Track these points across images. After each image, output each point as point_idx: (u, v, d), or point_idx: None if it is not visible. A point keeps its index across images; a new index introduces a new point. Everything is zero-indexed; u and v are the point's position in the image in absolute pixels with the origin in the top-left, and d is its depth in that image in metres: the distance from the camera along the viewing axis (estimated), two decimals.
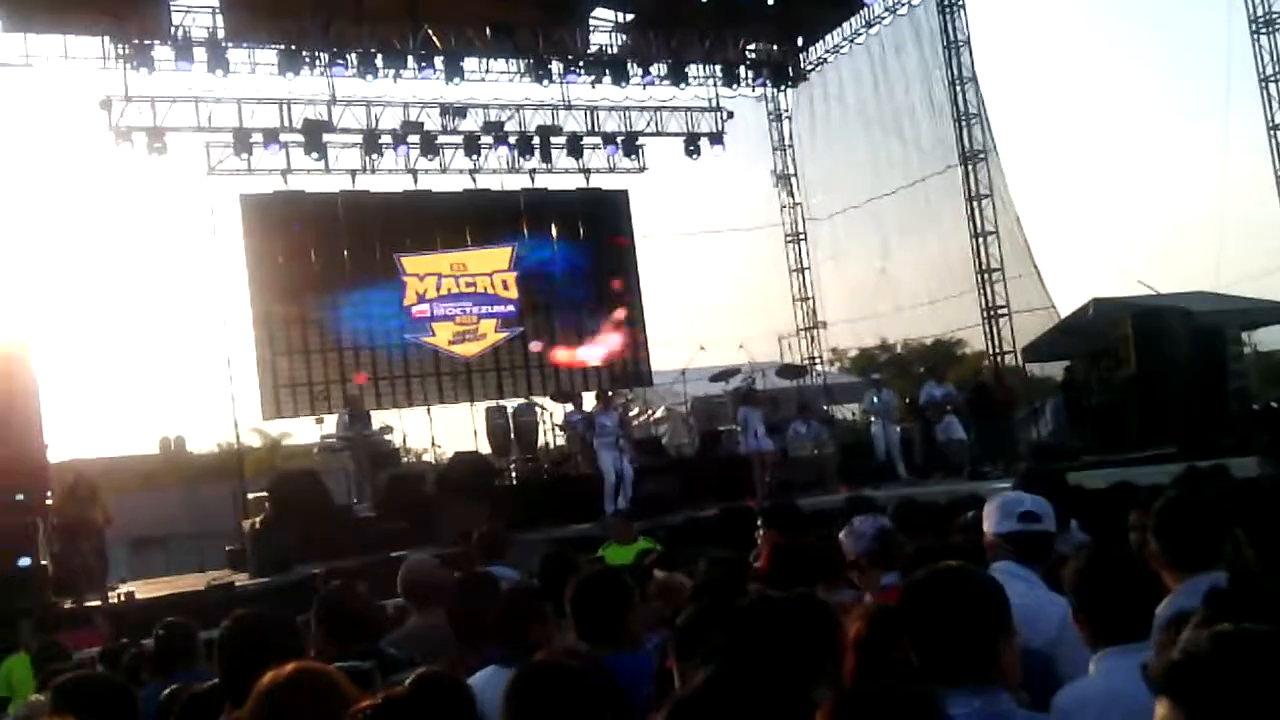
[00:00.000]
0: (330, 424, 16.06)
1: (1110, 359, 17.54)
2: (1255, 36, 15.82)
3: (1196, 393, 16.06)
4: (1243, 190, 52.39)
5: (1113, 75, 74.85)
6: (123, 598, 11.42)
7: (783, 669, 2.28)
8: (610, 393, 17.19)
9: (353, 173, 19.81)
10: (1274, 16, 15.72)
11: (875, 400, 16.84)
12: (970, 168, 20.31)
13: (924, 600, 2.55)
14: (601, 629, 3.70)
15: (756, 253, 24.02)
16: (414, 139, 19.84)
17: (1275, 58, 15.73)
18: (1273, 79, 15.76)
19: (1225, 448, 11.26)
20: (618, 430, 15.15)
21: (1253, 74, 15.85)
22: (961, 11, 20.43)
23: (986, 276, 20.18)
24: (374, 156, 19.83)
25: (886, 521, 4.42)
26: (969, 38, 20.51)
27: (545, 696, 2.40)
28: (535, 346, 19.92)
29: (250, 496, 15.23)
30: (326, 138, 19.21)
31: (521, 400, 18.63)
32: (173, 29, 17.61)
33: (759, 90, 23.71)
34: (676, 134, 22.14)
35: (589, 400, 16.87)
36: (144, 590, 12.07)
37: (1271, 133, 15.79)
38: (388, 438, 16.20)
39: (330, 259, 19.12)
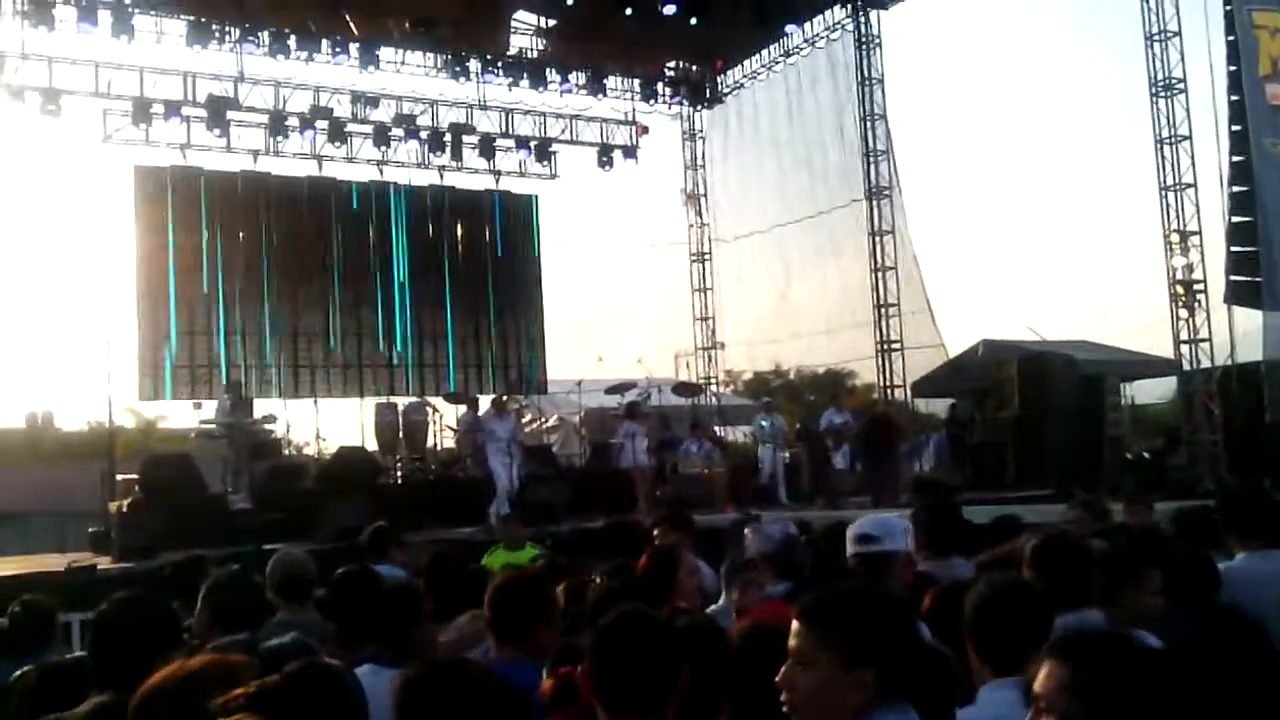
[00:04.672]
0: (210, 409, 15.51)
1: (995, 399, 18.02)
2: (1154, 100, 16.43)
3: (1075, 438, 16.63)
4: (1131, 247, 54.67)
5: (1018, 123, 77.24)
6: None
7: None
8: (505, 398, 17.02)
9: (255, 153, 19.28)
10: (1173, 81, 16.33)
11: (765, 425, 16.99)
12: (874, 203, 20.68)
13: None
14: (514, 634, 3.66)
15: (661, 270, 24.12)
16: (322, 124, 19.42)
17: (1172, 121, 16.33)
18: (1167, 141, 16.36)
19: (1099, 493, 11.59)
20: (509, 437, 14.95)
21: (1150, 136, 16.49)
22: (878, 50, 20.92)
23: (883, 311, 20.55)
24: (279, 138, 19.32)
25: (794, 529, 4.43)
26: (883, 76, 20.99)
27: (442, 697, 2.30)
28: None
29: (119, 478, 14.57)
30: (230, 115, 18.69)
31: (414, 399, 18.29)
32: None
33: (675, 108, 23.83)
34: (590, 144, 22.10)
35: (483, 404, 16.63)
36: None
37: (1162, 194, 16.37)
38: (269, 427, 15.70)
39: (225, 239, 18.56)
